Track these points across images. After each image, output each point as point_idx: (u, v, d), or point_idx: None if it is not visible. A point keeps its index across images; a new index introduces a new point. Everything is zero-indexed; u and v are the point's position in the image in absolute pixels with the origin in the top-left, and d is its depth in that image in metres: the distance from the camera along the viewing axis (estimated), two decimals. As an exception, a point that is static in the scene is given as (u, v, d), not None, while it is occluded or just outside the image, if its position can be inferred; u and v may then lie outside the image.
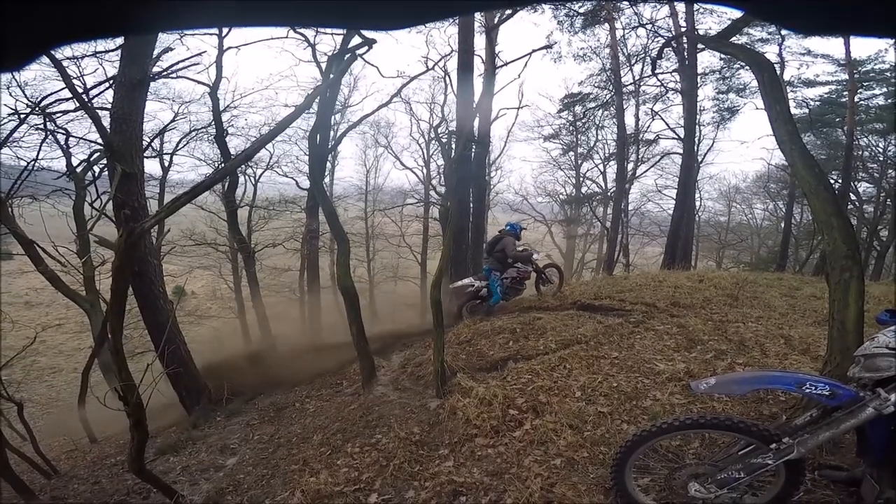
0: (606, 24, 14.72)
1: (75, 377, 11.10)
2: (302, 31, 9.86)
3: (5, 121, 9.15)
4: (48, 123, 9.39)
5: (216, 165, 14.99)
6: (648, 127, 16.77)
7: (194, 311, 18.74)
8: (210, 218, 15.32)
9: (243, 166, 14.53)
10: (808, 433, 2.09)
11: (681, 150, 14.67)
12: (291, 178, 16.39)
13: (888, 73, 13.07)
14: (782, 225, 17.02)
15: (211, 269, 17.69)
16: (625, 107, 15.60)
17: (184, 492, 4.12)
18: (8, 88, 9.32)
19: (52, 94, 9.14)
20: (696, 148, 14.97)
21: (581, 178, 19.69)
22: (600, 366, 4.15)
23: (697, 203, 18.18)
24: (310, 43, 10.27)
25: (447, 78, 14.39)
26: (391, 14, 0.36)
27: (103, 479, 5.46)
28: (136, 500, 4.62)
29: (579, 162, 19.56)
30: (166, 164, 14.34)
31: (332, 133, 14.20)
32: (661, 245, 16.56)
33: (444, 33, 12.60)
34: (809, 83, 14.46)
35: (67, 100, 9.02)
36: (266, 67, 49.08)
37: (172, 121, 13.36)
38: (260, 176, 15.91)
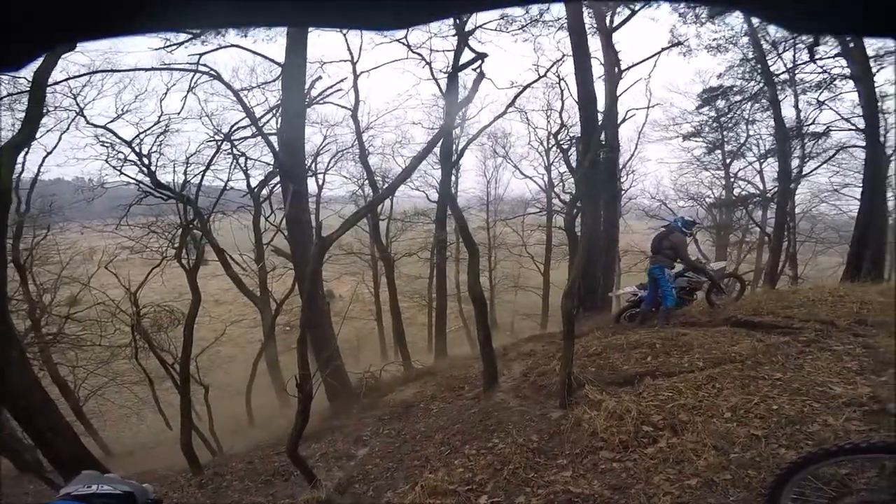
0: (737, 11, 12.85)
1: (245, 366, 13.12)
2: (419, 50, 10.72)
3: (202, 146, 11.59)
4: (233, 149, 11.70)
5: (359, 182, 16.94)
6: (815, 118, 14.17)
7: (340, 312, 21.16)
8: (354, 230, 17.26)
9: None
10: None
11: (862, 143, 12.15)
12: (422, 191, 17.63)
13: None
14: None
15: (355, 276, 19.77)
16: (780, 98, 13.42)
17: (319, 477, 4.53)
18: (200, 119, 11.76)
19: (235, 124, 11.33)
20: (882, 139, 12.19)
21: (732, 179, 17.27)
22: (758, 386, 3.69)
23: (890, 203, 14.75)
24: (426, 61, 11.12)
25: (563, 83, 14.09)
26: (393, 13, 0.36)
27: (256, 459, 6.26)
28: (279, 480, 5.27)
29: (728, 160, 17.30)
30: (320, 182, 16.56)
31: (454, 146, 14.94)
32: (840, 254, 13.93)
33: (553, 39, 12.48)
34: None
35: (244, 128, 11.11)
36: (391, 87, 54.21)
37: (324, 142, 15.47)
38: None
